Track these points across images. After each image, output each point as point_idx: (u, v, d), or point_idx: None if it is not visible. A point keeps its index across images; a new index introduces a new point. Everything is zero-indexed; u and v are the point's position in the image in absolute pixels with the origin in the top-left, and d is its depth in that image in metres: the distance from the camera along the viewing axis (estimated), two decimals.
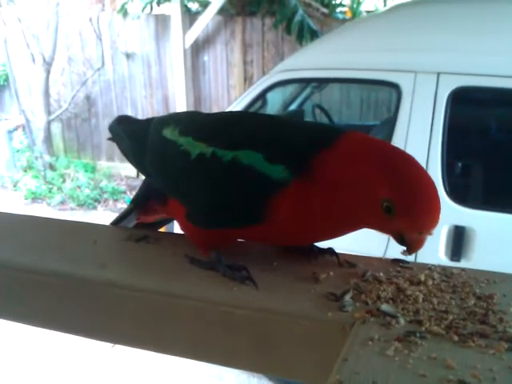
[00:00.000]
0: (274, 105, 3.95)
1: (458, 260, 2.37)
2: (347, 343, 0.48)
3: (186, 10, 5.80)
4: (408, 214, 0.51)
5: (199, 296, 0.57)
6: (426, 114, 2.75)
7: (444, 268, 0.61)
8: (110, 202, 5.95)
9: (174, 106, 6.09)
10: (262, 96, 3.32)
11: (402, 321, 0.50)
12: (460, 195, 2.52)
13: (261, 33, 5.64)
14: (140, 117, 5.38)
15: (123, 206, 5.85)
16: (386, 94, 5.10)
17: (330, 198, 0.55)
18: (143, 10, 5.66)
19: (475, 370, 0.43)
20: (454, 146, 2.58)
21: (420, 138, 2.67)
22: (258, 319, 0.54)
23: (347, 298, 0.54)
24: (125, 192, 6.21)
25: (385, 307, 0.52)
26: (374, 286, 0.56)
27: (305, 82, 3.63)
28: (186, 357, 0.58)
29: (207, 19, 5.48)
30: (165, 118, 0.72)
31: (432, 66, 2.78)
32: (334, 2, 5.81)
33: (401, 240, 0.54)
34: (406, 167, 0.53)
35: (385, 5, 5.82)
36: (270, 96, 3.52)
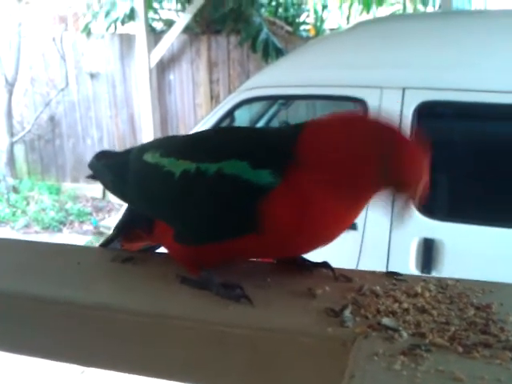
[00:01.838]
0: (241, 123, 3.95)
1: (429, 272, 2.39)
2: (351, 359, 0.47)
3: (151, 30, 5.79)
4: (403, 159, 0.55)
5: (193, 317, 0.55)
6: None
7: (439, 279, 0.60)
8: (76, 225, 5.85)
9: (139, 126, 6.04)
10: (229, 114, 3.33)
11: (404, 334, 0.50)
12: (428, 208, 2.55)
13: (226, 51, 5.66)
14: (105, 137, 5.31)
15: (89, 228, 5.76)
16: (349, 109, 5.17)
17: (323, 175, 0.56)
18: (107, 29, 5.62)
19: (484, 381, 0.43)
20: None
21: None
22: (256, 338, 0.53)
23: (347, 313, 0.53)
24: (91, 213, 6.12)
25: (386, 321, 0.51)
26: (372, 300, 0.56)
27: (272, 99, 3.66)
28: (181, 380, 0.56)
29: (172, 38, 5.49)
30: (144, 145, 0.73)
31: (397, 81, 2.82)
32: (297, 20, 5.89)
33: (400, 189, 0.56)
34: (386, 127, 0.56)
35: (348, 22, 5.92)
36: (237, 114, 3.53)
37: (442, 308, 0.54)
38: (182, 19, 5.45)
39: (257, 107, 4.13)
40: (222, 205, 0.58)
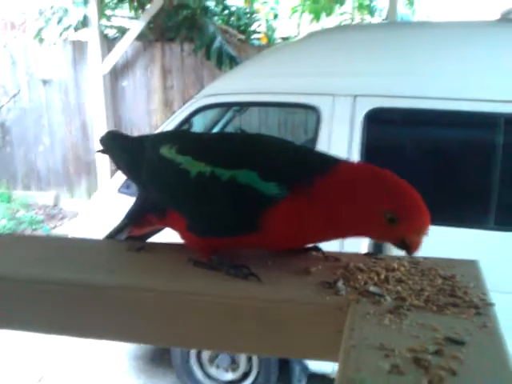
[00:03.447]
0: (197, 129, 4.03)
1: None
2: (349, 318, 0.58)
3: (104, 36, 5.80)
4: (409, 221, 0.63)
5: (209, 292, 0.65)
6: (344, 134, 2.94)
7: (411, 257, 0.72)
8: (29, 233, 5.78)
9: (92, 132, 6.04)
10: (188, 120, 3.41)
11: (388, 299, 0.61)
12: None
13: (180, 58, 5.74)
14: (58, 144, 5.25)
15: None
16: (302, 116, 5.34)
17: (331, 215, 0.65)
18: (60, 35, 5.60)
19: (455, 330, 0.54)
20: (371, 163, 2.75)
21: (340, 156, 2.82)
22: (266, 308, 0.63)
23: (339, 284, 0.64)
24: (43, 221, 6.05)
25: (373, 289, 0.62)
26: (358, 274, 0.67)
27: (229, 106, 3.75)
28: (201, 348, 0.66)
29: (126, 45, 5.52)
30: (159, 136, 0.80)
31: (348, 88, 2.97)
32: (249, 29, 6.03)
33: (402, 244, 0.65)
34: (400, 186, 0.65)
35: (298, 31, 6.11)
36: (194, 120, 3.61)
37: (415, 279, 0.66)
38: (136, 26, 5.49)
39: (211, 114, 4.21)
40: (232, 207, 0.67)
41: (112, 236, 0.84)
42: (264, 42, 6.06)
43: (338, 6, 6.09)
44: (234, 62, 5.19)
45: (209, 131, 4.12)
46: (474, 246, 2.55)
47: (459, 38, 2.98)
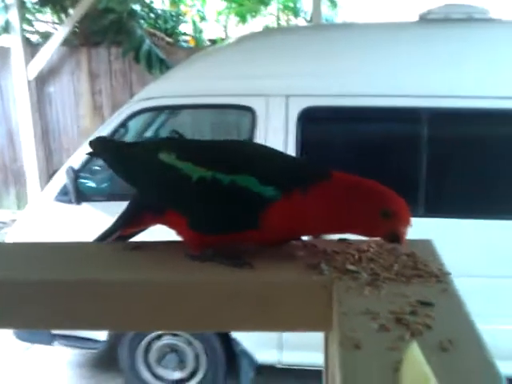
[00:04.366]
0: (132, 131, 4.04)
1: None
2: (335, 294, 0.68)
3: (27, 42, 5.68)
4: (399, 215, 0.74)
5: (209, 279, 0.74)
6: (280, 133, 3.08)
7: (376, 240, 0.84)
8: None
9: (19, 140, 5.90)
10: (123, 124, 3.45)
11: (364, 275, 0.72)
12: None
13: (107, 62, 5.71)
14: None
15: None
16: (235, 117, 5.46)
17: (330, 214, 0.75)
18: None
19: (424, 295, 0.67)
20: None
21: None
22: (261, 290, 0.73)
23: (323, 266, 0.75)
24: None
25: (351, 267, 0.74)
26: (336, 256, 0.78)
27: (165, 109, 3.80)
28: (204, 330, 0.75)
29: (50, 50, 5.43)
30: (154, 143, 0.87)
31: (281, 89, 3.11)
32: (177, 31, 6.08)
33: (392, 237, 0.75)
34: (388, 189, 0.76)
35: (226, 33, 6.21)
36: (130, 124, 3.65)
37: (384, 257, 0.78)
38: (60, 31, 5.42)
39: (144, 117, 4.23)
40: (233, 208, 0.76)
41: (103, 238, 0.90)
42: (192, 44, 6.13)
43: (263, 7, 6.26)
44: (163, 65, 5.23)
45: (142, 134, 4.14)
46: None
47: (384, 38, 3.19)
